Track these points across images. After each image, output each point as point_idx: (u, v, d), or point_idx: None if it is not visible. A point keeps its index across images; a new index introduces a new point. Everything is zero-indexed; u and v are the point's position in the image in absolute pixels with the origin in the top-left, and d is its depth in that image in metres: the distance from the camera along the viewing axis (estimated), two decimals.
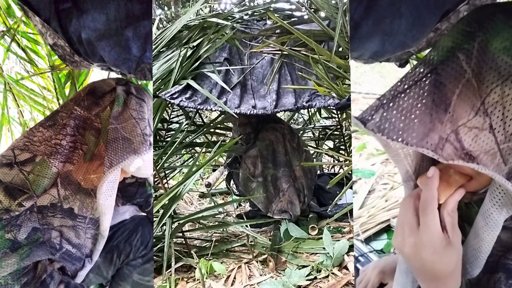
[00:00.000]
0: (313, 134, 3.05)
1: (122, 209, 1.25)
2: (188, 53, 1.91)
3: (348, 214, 1.89)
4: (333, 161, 3.07)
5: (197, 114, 2.61)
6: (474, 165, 0.49)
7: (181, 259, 1.67)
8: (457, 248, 0.55)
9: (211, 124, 2.43)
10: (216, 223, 1.95)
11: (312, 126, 3.04)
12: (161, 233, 1.70)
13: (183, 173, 2.93)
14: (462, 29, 0.53)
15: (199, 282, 1.54)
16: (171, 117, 2.64)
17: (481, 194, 0.60)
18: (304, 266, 1.59)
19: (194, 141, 2.35)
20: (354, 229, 1.68)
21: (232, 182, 2.44)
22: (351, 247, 1.60)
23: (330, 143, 2.92)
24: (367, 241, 1.62)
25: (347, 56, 1.80)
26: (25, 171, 0.90)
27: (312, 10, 1.97)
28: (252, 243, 1.83)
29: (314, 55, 1.77)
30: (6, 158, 0.91)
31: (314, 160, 2.70)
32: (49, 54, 1.70)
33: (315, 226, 1.92)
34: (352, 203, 1.84)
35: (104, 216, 0.98)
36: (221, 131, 2.63)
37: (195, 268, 1.61)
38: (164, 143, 2.33)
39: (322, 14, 1.96)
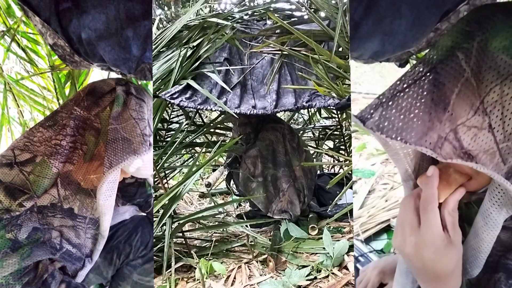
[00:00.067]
0: (313, 134, 3.05)
1: (122, 209, 1.25)
2: (188, 53, 1.91)
3: (348, 214, 1.89)
4: (333, 161, 3.07)
5: (197, 114, 2.61)
6: (473, 164, 0.49)
7: (181, 259, 1.67)
8: (457, 247, 0.55)
9: (211, 124, 2.43)
10: (216, 223, 1.95)
11: (312, 126, 3.04)
12: (161, 233, 1.70)
13: (183, 173, 2.93)
14: (462, 28, 0.53)
15: (199, 282, 1.54)
16: (171, 117, 2.64)
17: (480, 194, 0.60)
18: (304, 266, 1.59)
19: (194, 141, 2.35)
20: (354, 229, 1.68)
21: (232, 182, 2.44)
22: (351, 247, 1.60)
23: (330, 143, 2.91)
24: (367, 241, 1.62)
25: (347, 56, 1.80)
26: (26, 172, 0.90)
27: (312, 10, 1.97)
28: (252, 243, 1.83)
29: (314, 55, 1.77)
30: (6, 158, 0.92)
31: (314, 160, 2.70)
32: (49, 54, 1.70)
33: (315, 226, 1.91)
34: (352, 203, 1.83)
35: (104, 216, 0.98)
36: (221, 131, 2.63)
37: (195, 268, 1.61)
38: (164, 143, 2.33)
39: (322, 14, 1.96)
